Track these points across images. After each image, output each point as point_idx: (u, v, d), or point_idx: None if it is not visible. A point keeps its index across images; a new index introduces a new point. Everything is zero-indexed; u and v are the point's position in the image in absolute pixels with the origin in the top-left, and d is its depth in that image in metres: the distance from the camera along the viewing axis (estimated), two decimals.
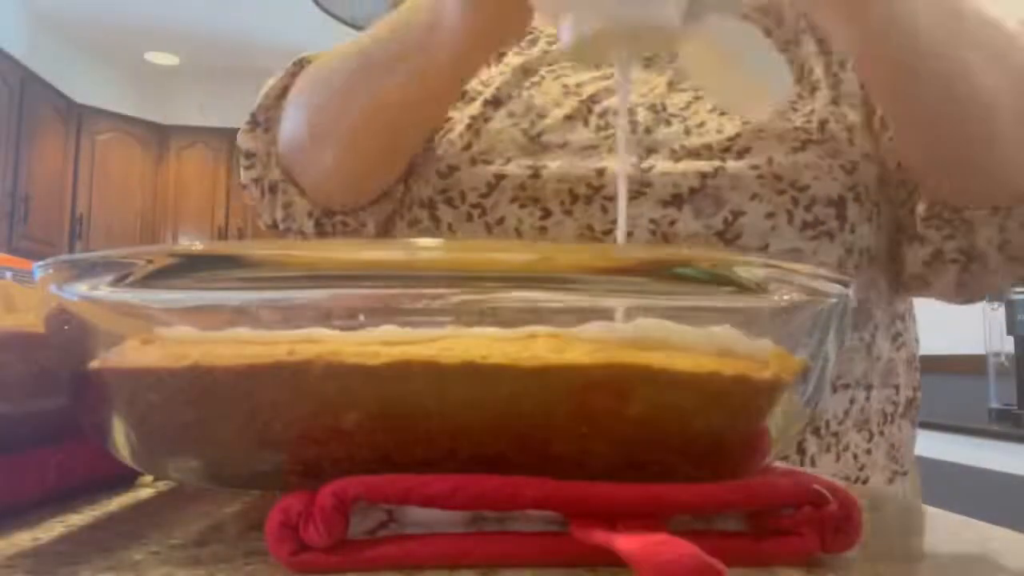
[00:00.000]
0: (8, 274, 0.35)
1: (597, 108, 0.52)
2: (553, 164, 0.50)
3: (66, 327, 0.24)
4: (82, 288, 0.22)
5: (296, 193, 0.54)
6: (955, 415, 1.95)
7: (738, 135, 0.49)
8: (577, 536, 0.21)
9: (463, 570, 0.21)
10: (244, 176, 0.57)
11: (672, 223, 0.47)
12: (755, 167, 0.47)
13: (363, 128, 0.51)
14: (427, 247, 0.23)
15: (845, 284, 0.25)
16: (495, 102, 0.54)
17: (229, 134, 2.47)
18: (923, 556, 0.25)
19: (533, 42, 0.57)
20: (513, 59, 0.56)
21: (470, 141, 0.52)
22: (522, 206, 0.50)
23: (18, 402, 0.28)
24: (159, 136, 4.67)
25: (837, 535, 0.23)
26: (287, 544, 0.21)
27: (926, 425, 1.88)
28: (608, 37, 0.35)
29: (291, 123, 0.54)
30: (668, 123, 0.51)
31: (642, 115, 0.51)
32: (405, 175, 0.55)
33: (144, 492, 0.33)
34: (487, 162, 0.51)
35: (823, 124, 0.50)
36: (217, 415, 0.23)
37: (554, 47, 0.57)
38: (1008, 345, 1.79)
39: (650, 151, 0.50)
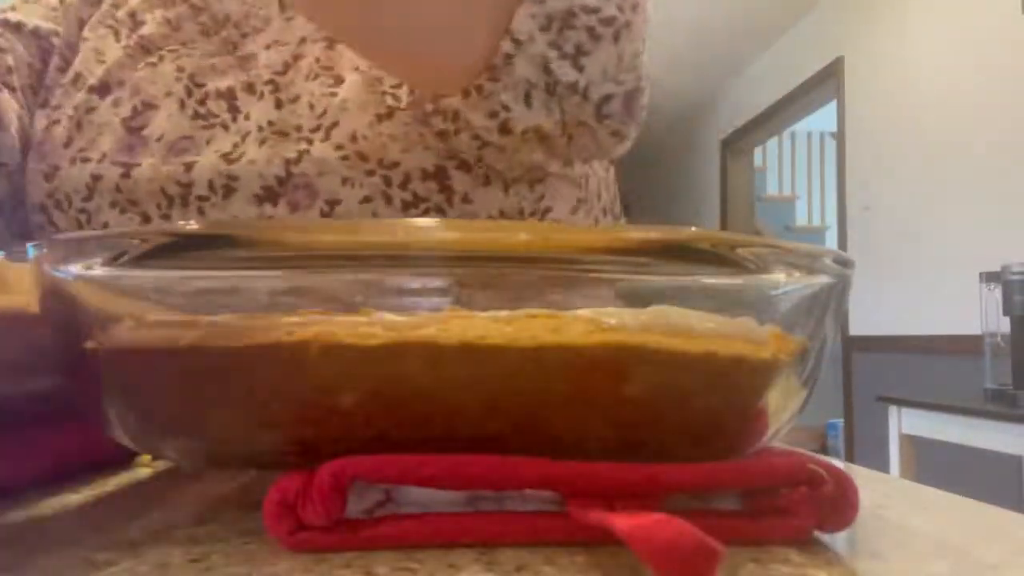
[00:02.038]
0: (1, 253, 0.34)
1: (198, 92, 0.45)
2: (145, 161, 0.43)
3: (61, 307, 0.23)
4: (77, 267, 0.22)
5: None
6: (951, 395, 1.96)
7: (326, 110, 0.41)
8: (574, 515, 0.21)
9: (460, 549, 0.21)
10: None
11: None
12: (340, 147, 0.40)
13: None
14: (426, 227, 0.23)
15: (845, 264, 0.24)
16: (102, 88, 0.46)
17: None
18: (918, 535, 0.25)
19: (137, 23, 0.48)
20: (129, 38, 0.48)
21: (71, 136, 0.45)
22: (122, 211, 0.43)
23: (13, 382, 0.28)
24: None
25: (833, 514, 0.23)
26: (285, 523, 0.21)
27: (922, 405, 1.89)
28: None
29: None
30: (261, 95, 0.43)
31: (241, 94, 0.44)
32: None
33: (142, 472, 0.33)
34: (85, 160, 0.44)
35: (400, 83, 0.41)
36: (214, 395, 0.22)
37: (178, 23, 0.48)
38: (1004, 325, 1.79)
39: (245, 134, 0.42)
